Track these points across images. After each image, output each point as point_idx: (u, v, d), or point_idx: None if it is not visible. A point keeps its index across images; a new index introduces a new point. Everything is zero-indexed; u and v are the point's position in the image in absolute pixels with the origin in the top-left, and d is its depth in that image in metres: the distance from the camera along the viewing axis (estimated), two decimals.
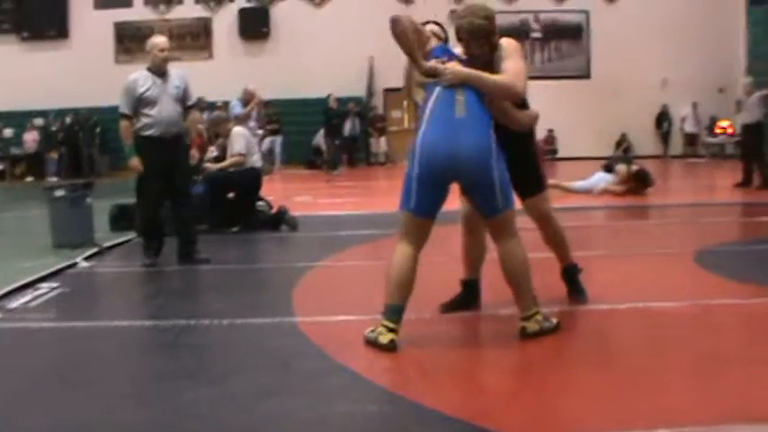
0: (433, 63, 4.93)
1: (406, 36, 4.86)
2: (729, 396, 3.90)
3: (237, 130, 10.93)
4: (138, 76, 7.90)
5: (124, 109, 7.86)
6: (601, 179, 14.47)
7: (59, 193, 9.42)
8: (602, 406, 3.84)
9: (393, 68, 23.96)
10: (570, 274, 5.79)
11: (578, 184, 14.49)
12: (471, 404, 3.97)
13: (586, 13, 27.74)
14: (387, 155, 26.85)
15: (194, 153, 8.45)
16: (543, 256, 5.72)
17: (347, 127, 25.33)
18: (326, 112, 23.59)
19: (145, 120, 7.79)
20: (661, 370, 4.32)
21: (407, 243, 4.89)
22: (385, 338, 4.71)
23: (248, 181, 10.62)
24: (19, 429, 3.71)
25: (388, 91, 26.49)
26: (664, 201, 13.70)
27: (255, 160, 10.86)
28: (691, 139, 27.51)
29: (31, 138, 26.28)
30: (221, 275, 7.69)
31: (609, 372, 4.31)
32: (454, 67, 4.91)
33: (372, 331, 4.78)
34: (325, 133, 24.11)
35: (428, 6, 24.49)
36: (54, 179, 23.51)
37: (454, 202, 5.24)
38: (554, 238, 5.68)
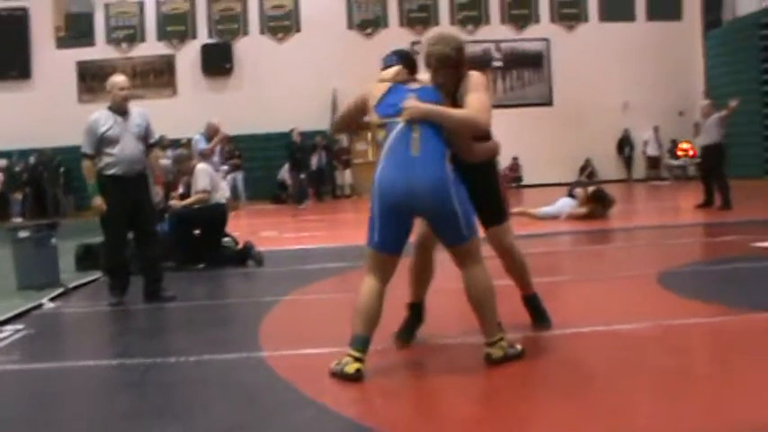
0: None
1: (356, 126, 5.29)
2: (695, 415, 3.94)
3: (201, 167, 10.93)
4: (100, 115, 7.90)
5: (86, 149, 7.85)
6: (565, 204, 14.61)
7: (24, 234, 9.34)
8: (569, 431, 3.87)
9: None
10: (532, 303, 5.83)
11: (544, 210, 14.62)
12: None
13: (547, 41, 28.09)
14: (352, 187, 26.90)
15: (158, 190, 8.44)
16: (507, 283, 5.76)
17: (314, 160, 25.34)
18: (290, 147, 23.60)
19: (107, 159, 7.78)
20: (626, 391, 4.36)
21: (373, 277, 4.94)
22: (351, 368, 4.72)
23: (213, 217, 10.61)
24: None
25: None
26: (627, 224, 13.83)
27: (220, 196, 10.86)
28: (653, 162, 27.82)
29: None
30: (188, 312, 7.65)
31: (575, 396, 4.34)
32: (414, 103, 4.97)
33: (338, 363, 4.79)
34: (290, 167, 24.09)
35: (390, 37, 24.75)
36: (18, 220, 23.31)
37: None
38: (514, 267, 5.69)
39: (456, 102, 5.06)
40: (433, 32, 5.67)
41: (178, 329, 7.14)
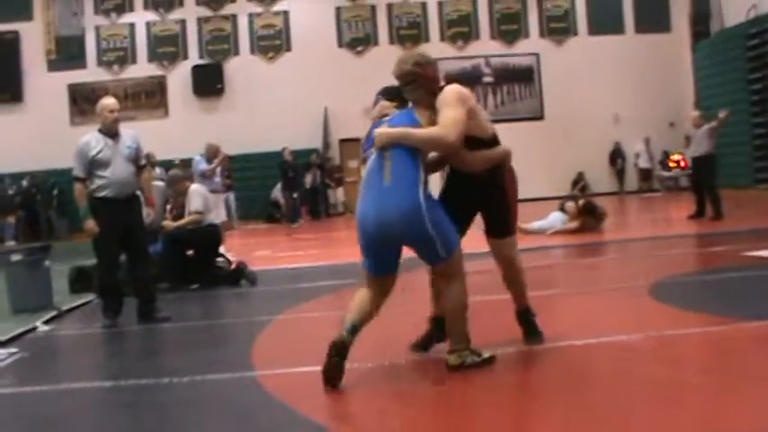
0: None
1: None
2: (688, 425, 3.96)
3: (195, 187, 10.96)
4: (90, 138, 7.93)
5: (78, 172, 7.87)
6: (557, 219, 14.64)
7: (17, 257, 9.35)
8: None
9: (347, 119, 24.21)
10: (525, 317, 5.85)
11: (535, 224, 14.64)
12: None
13: (536, 55, 28.19)
14: (345, 205, 26.89)
15: (149, 211, 8.45)
16: (501, 297, 5.78)
17: (309, 179, 25.34)
18: (282, 166, 23.61)
19: (98, 181, 7.81)
20: (619, 402, 4.39)
21: (369, 290, 5.16)
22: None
23: (207, 238, 10.63)
24: None
25: (343, 141, 26.63)
26: (620, 236, 13.85)
27: (214, 217, 10.88)
28: (645, 174, 27.87)
29: None
30: (182, 333, 7.66)
31: (568, 407, 4.36)
32: (381, 130, 5.10)
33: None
34: (283, 186, 24.09)
35: (380, 55, 24.83)
36: (12, 243, 23.26)
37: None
38: (513, 280, 5.73)
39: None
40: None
41: (172, 350, 7.15)
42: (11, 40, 26.75)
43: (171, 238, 10.50)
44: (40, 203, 25.68)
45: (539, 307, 5.96)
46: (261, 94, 26.56)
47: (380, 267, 5.14)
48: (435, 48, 27.15)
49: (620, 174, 28.14)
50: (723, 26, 25.63)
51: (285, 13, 27.67)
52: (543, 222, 14.65)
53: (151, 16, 27.45)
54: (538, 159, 26.40)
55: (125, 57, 27.38)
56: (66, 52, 27.00)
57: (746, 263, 9.26)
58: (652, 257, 10.85)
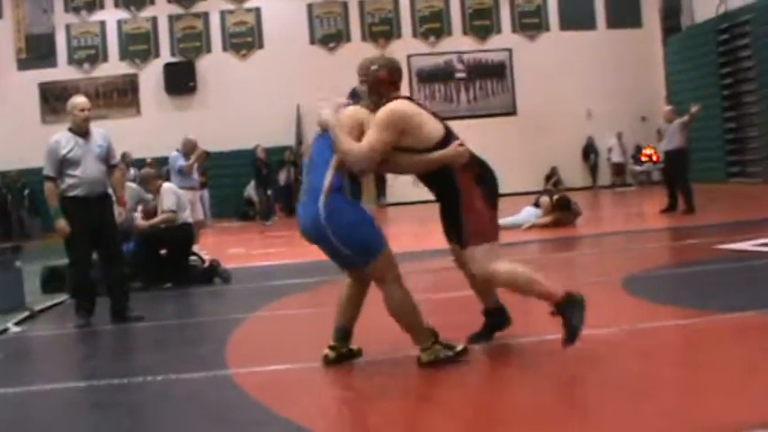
0: None
1: None
2: (662, 417, 3.97)
3: (167, 186, 10.89)
4: (60, 137, 7.86)
5: (48, 171, 7.81)
6: (530, 214, 14.69)
7: None
8: None
9: None
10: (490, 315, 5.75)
11: (509, 219, 14.66)
12: None
13: (509, 51, 28.23)
14: None
15: (121, 211, 8.38)
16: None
17: (282, 176, 25.27)
18: (255, 163, 23.52)
19: (69, 180, 7.75)
20: (592, 396, 4.41)
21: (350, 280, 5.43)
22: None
23: (180, 237, 10.57)
24: None
25: None
26: (593, 231, 13.92)
27: (186, 216, 10.82)
28: (618, 169, 28.00)
29: None
30: (155, 332, 7.62)
31: (541, 401, 4.38)
32: (325, 113, 5.19)
33: None
34: (256, 184, 24.00)
35: (353, 51, 24.79)
36: None
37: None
38: (476, 288, 5.66)
39: None
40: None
41: (146, 349, 7.12)
42: None
43: (144, 237, 10.44)
44: (11, 203, 25.46)
45: (511, 302, 5.87)
46: (233, 91, 26.45)
47: (336, 264, 5.39)
48: (407, 44, 27.21)
49: (593, 168, 28.24)
50: (693, 21, 25.81)
51: (257, 9, 27.55)
52: (516, 217, 14.67)
53: (122, 14, 27.23)
54: (511, 155, 26.42)
55: (96, 55, 27.17)
56: (37, 50, 26.77)
57: (719, 256, 9.33)
58: (625, 251, 10.92)
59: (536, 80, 27.36)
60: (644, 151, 27.35)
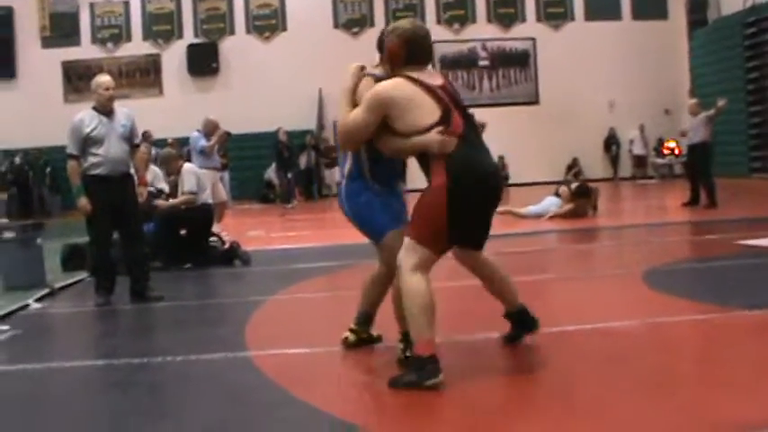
0: None
1: None
2: (681, 413, 3.95)
3: (188, 167, 10.92)
4: (84, 115, 7.87)
5: (71, 149, 7.82)
6: (551, 203, 14.65)
7: (9, 234, 9.29)
8: (554, 429, 3.89)
9: None
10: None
11: (530, 209, 14.66)
12: None
13: (533, 40, 28.13)
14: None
15: (142, 191, 8.38)
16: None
17: (303, 160, 25.27)
18: (276, 146, 23.49)
19: (92, 159, 7.76)
20: (611, 390, 4.37)
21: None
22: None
23: (200, 218, 10.60)
24: None
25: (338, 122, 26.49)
26: (613, 223, 13.88)
27: (206, 196, 10.85)
28: (639, 161, 27.89)
29: None
30: (174, 312, 7.64)
31: (559, 394, 4.36)
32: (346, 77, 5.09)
33: None
34: (277, 167, 23.97)
35: (376, 37, 24.70)
36: (4, 220, 23.15)
37: None
38: (494, 290, 5.30)
39: None
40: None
41: (165, 329, 7.14)
42: (5, 16, 26.58)
43: (164, 218, 10.47)
44: (32, 181, 25.60)
45: (531, 292, 5.84)
46: (256, 74, 26.46)
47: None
48: (431, 30, 26.75)
49: (614, 160, 28.12)
50: (720, 14, 25.61)
51: None
52: (538, 207, 14.66)
53: None
54: (532, 144, 26.47)
55: (119, 34, 27.25)
56: (61, 29, 26.87)
57: (740, 251, 9.27)
58: (646, 244, 10.87)
59: (559, 70, 27.26)
60: (666, 144, 27.19)
